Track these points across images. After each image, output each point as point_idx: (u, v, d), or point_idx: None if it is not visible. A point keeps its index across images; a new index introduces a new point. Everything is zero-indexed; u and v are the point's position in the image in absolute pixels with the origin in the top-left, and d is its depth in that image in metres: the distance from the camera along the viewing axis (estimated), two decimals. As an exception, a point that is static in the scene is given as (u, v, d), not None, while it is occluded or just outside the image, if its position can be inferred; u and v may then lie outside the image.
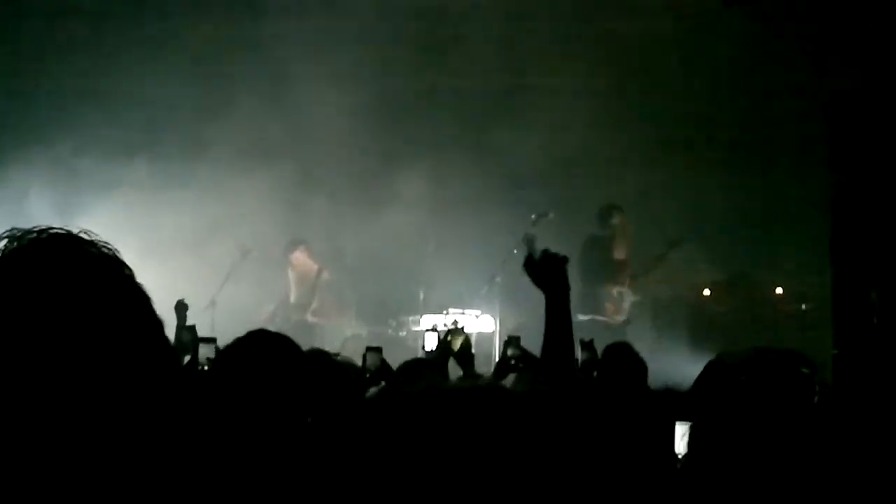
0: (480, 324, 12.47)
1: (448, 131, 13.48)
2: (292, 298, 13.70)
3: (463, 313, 12.48)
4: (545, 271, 4.01)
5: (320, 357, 4.46)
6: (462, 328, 6.40)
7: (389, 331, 13.20)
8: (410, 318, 13.11)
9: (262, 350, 3.25)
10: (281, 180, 13.51)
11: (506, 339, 6.22)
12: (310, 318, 13.43)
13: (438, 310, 12.74)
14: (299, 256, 13.50)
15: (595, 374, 5.87)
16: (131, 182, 13.20)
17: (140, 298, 1.71)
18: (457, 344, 6.09)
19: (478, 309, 12.58)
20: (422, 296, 13.14)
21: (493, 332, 12.25)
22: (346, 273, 14.03)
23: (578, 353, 5.60)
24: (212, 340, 5.21)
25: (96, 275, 1.67)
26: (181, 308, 7.27)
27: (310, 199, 13.79)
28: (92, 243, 1.72)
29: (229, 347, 3.34)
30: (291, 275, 13.62)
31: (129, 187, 13.03)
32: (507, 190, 13.43)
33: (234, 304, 12.48)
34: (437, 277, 13.15)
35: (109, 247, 1.72)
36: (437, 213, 13.40)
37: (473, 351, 6.13)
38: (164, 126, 13.44)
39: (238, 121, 13.28)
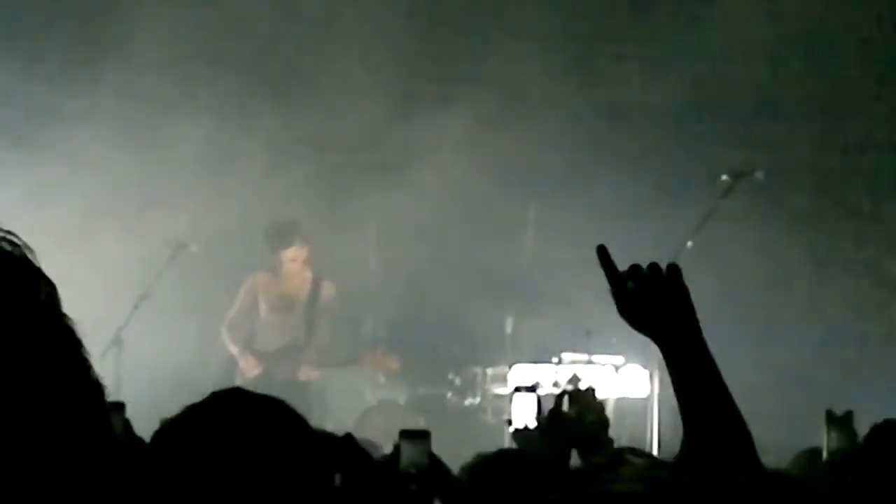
0: (623, 381, 10.88)
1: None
2: (268, 335, 11.04)
3: (590, 362, 10.75)
4: (651, 303, 3.18)
5: (321, 444, 3.07)
6: (590, 389, 4.82)
7: (449, 394, 11.15)
8: (489, 371, 11.03)
9: (238, 432, 2.57)
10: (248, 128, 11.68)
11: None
12: (303, 371, 10.87)
13: (542, 355, 10.88)
14: (292, 260, 10.87)
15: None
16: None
17: (59, 328, 1.34)
18: (578, 414, 4.68)
19: (619, 354, 10.81)
20: (509, 329, 11.15)
21: (647, 398, 10.34)
22: (366, 291, 11.71)
23: None
24: (117, 407, 3.69)
25: None
26: None
27: (300, 161, 11.64)
28: None
29: (177, 421, 2.63)
30: (266, 293, 11.05)
31: None
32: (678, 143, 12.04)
33: (155, 344, 10.57)
34: (540, 297, 11.32)
35: (15, 239, 1.34)
36: (536, 181, 11.63)
37: (611, 431, 4.76)
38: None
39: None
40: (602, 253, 3.21)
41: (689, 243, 9.74)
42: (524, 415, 5.13)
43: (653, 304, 3.19)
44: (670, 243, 9.95)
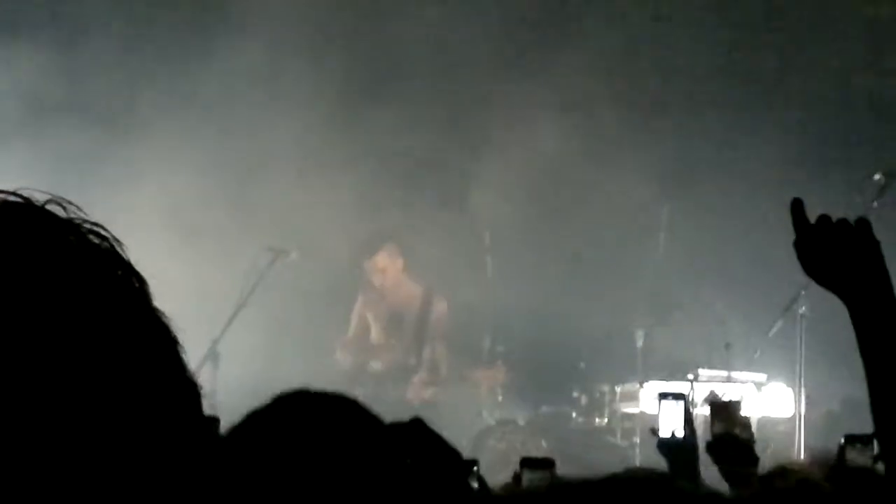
0: (766, 400, 10.63)
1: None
2: (379, 355, 11.30)
3: (729, 378, 10.48)
4: (844, 253, 3.17)
5: (391, 435, 2.93)
6: (736, 401, 4.92)
7: (574, 413, 10.98)
8: (617, 389, 10.87)
9: (304, 432, 2.52)
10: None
11: (842, 439, 4.43)
12: (412, 390, 11.06)
13: (676, 372, 10.60)
14: (381, 270, 11.10)
15: None
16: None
17: (154, 325, 1.33)
18: (723, 429, 4.72)
19: (761, 371, 10.62)
20: (640, 342, 10.87)
21: (793, 417, 10.15)
22: (483, 304, 11.42)
23: None
24: (211, 423, 2.91)
25: (79, 281, 1.30)
26: None
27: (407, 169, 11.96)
28: (73, 225, 1.33)
29: (240, 426, 2.55)
30: (375, 311, 11.29)
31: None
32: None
33: (253, 355, 10.53)
34: (675, 307, 11.13)
35: (103, 232, 1.33)
36: (671, 178, 11.37)
37: (756, 448, 4.73)
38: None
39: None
40: (796, 205, 3.29)
41: None
42: (671, 424, 5.06)
43: (840, 255, 3.23)
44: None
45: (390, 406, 10.17)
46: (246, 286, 10.39)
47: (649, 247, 11.27)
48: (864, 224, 3.21)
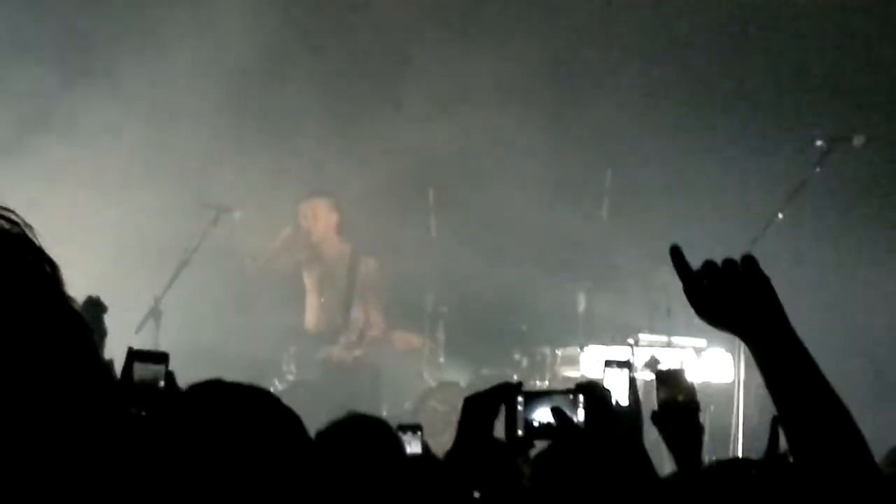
0: (707, 366, 10.64)
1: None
2: (310, 315, 11.18)
3: (669, 344, 10.56)
4: (735, 297, 3.11)
5: (372, 432, 4.01)
6: (680, 369, 4.67)
7: (515, 376, 10.39)
8: (559, 352, 10.74)
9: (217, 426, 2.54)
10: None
11: (774, 414, 3.73)
12: (337, 353, 10.88)
13: (617, 336, 10.68)
14: (312, 216, 10.99)
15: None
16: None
17: (64, 311, 1.37)
18: (668, 397, 4.52)
19: (701, 337, 10.66)
20: (581, 306, 10.88)
21: (732, 383, 10.10)
22: (426, 265, 11.29)
23: None
24: (160, 358, 4.02)
25: None
26: (93, 309, 5.24)
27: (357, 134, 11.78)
28: None
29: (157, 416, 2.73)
30: (307, 270, 11.15)
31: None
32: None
33: (195, 314, 10.52)
34: (616, 272, 11.19)
35: (14, 217, 1.37)
36: (612, 144, 11.44)
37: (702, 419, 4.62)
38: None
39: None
40: (675, 254, 3.15)
41: (780, 215, 9.57)
42: (615, 391, 4.69)
43: (732, 299, 3.13)
44: (760, 214, 9.82)
45: (319, 365, 10.36)
46: (189, 244, 10.23)
47: (592, 210, 11.13)
48: (750, 262, 3.16)
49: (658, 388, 4.67)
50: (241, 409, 2.58)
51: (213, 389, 2.64)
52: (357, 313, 10.98)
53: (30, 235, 1.34)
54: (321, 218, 10.86)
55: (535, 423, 4.28)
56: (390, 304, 11.29)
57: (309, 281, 11.07)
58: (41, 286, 1.32)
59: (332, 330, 10.99)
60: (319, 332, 11.02)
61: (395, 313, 11.28)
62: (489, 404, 3.91)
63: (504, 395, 3.95)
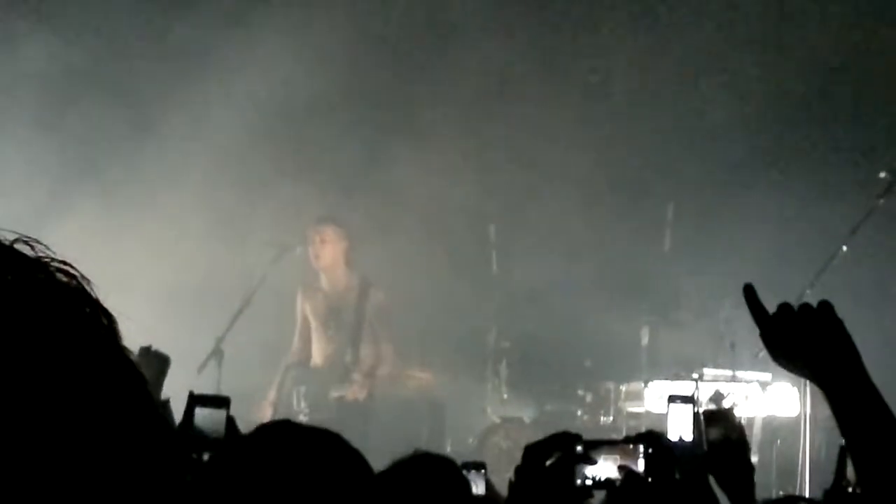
0: (772, 400, 10.54)
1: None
2: (317, 349, 10.82)
3: (734, 378, 10.41)
4: (810, 342, 3.10)
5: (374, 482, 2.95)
6: (730, 407, 5.34)
7: (579, 412, 10.87)
8: (622, 388, 10.82)
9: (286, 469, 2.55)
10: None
11: (843, 441, 3.70)
12: (350, 391, 10.46)
13: (681, 370, 10.56)
14: (326, 243, 10.60)
15: None
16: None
17: (121, 363, 1.35)
18: (719, 436, 4.37)
19: (766, 370, 10.44)
20: (645, 341, 10.91)
21: (798, 417, 10.09)
22: (488, 300, 11.41)
23: None
24: (221, 402, 4.09)
25: (48, 319, 1.31)
26: (156, 363, 5.27)
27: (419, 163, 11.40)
28: (41, 264, 1.35)
29: (221, 456, 2.75)
30: (312, 302, 10.78)
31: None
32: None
33: (257, 354, 10.66)
34: (679, 306, 11.19)
35: (71, 270, 1.34)
36: (676, 178, 11.48)
37: (760, 453, 5.35)
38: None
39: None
40: (749, 293, 3.17)
41: (845, 248, 9.47)
42: (679, 427, 4.75)
43: (807, 345, 3.14)
44: (824, 246, 9.74)
45: (333, 404, 10.30)
46: (251, 283, 10.22)
47: (655, 244, 11.10)
48: (826, 307, 3.16)
49: (707, 428, 4.65)
50: (309, 450, 2.59)
51: (282, 431, 2.68)
52: (366, 349, 10.60)
53: (87, 288, 1.34)
54: (329, 244, 10.53)
55: (594, 474, 4.26)
56: (450, 339, 11.11)
57: (314, 314, 10.72)
58: (98, 337, 1.33)
59: (341, 367, 10.65)
60: (329, 369, 10.68)
61: (462, 349, 11.20)
62: (548, 453, 3.85)
63: (563, 444, 3.91)
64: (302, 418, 9.70)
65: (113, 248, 9.71)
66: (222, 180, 11.22)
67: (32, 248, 1.33)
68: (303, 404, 10.29)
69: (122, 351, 1.34)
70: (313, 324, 10.60)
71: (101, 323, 1.34)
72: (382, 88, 11.74)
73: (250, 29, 11.30)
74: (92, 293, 1.33)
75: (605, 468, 4.21)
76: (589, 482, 4.16)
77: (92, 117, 11.26)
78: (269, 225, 10.97)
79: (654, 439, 4.21)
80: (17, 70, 11.16)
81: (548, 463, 4.10)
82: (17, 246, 1.33)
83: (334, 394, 10.35)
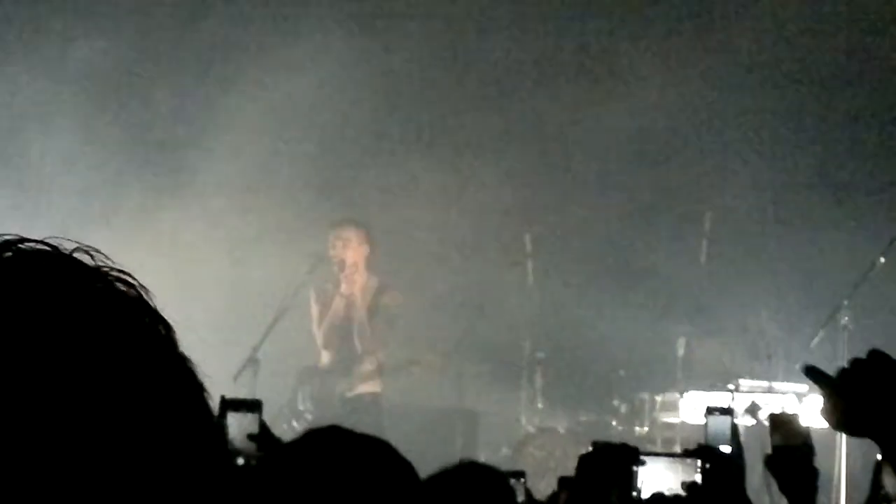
0: (808, 412, 9.49)
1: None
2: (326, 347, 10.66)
3: (770, 389, 10.43)
4: (864, 404, 2.96)
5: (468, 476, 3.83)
6: (795, 414, 4.43)
7: (614, 422, 10.87)
8: (658, 398, 10.78)
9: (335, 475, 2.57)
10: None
11: (878, 455, 4.09)
12: (359, 386, 10.41)
13: (717, 381, 10.55)
14: (348, 248, 10.51)
15: None
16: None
17: (180, 372, 1.36)
18: (782, 441, 4.33)
19: (802, 382, 10.24)
20: (681, 351, 10.76)
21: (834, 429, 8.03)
22: (524, 310, 11.33)
23: None
24: (254, 406, 4.18)
25: (107, 328, 1.31)
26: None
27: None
28: (101, 273, 1.34)
29: (268, 462, 2.83)
30: (324, 299, 10.64)
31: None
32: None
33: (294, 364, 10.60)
34: (716, 317, 11.02)
35: (130, 279, 1.34)
36: (712, 187, 11.38)
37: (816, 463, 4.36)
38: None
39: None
40: (811, 372, 3.08)
41: (882, 259, 9.38)
42: (717, 438, 5.00)
43: (866, 405, 3.04)
44: (861, 258, 9.67)
45: (337, 401, 9.94)
46: (287, 292, 10.16)
47: (692, 254, 11.00)
48: (879, 358, 3.04)
49: (772, 433, 4.59)
50: (359, 457, 2.61)
51: (332, 437, 2.68)
52: (370, 344, 10.38)
53: (145, 297, 1.35)
54: (351, 248, 10.41)
55: (652, 487, 4.31)
56: (485, 348, 11.04)
57: (324, 315, 10.57)
58: (157, 346, 1.34)
59: (344, 364, 10.48)
60: (335, 369, 10.54)
61: (497, 358, 11.13)
62: (606, 465, 3.89)
63: (622, 458, 3.94)
64: (307, 416, 9.79)
65: (149, 255, 9.69)
66: (260, 190, 11.28)
67: (92, 257, 1.34)
68: (308, 403, 10.24)
69: (182, 360, 1.36)
70: (324, 325, 10.44)
71: (160, 332, 1.35)
72: (415, 95, 11.71)
73: (286, 36, 11.35)
74: (150, 302, 1.34)
75: (661, 481, 4.28)
76: (645, 496, 4.22)
77: (127, 126, 11.35)
78: (307, 236, 10.88)
79: (712, 454, 4.27)
80: (62, 74, 11.33)
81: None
82: (77, 255, 1.34)
83: (347, 393, 10.26)
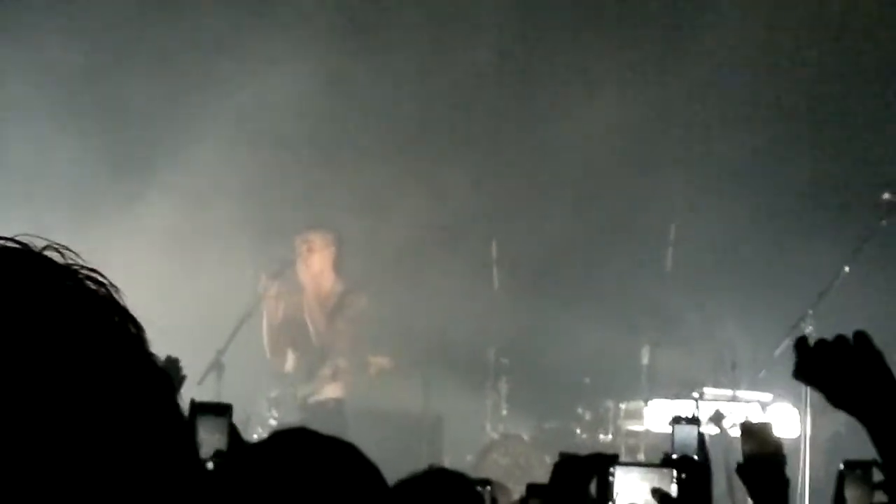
0: (772, 419, 8.85)
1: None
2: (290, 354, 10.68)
3: (734, 398, 10.39)
4: (843, 375, 3.17)
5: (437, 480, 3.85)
6: (767, 423, 4.59)
7: (578, 430, 10.75)
8: (622, 406, 10.74)
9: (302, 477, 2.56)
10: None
11: (841, 465, 4.33)
12: (324, 390, 10.42)
13: (681, 390, 10.50)
14: (313, 251, 10.54)
15: None
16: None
17: (150, 372, 1.34)
18: (754, 450, 4.44)
19: (766, 391, 10.49)
20: (645, 359, 10.79)
21: (798, 438, 9.92)
22: (488, 316, 11.22)
23: None
24: (223, 410, 4.08)
25: (76, 326, 1.30)
26: (176, 372, 5.33)
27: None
28: (70, 271, 1.33)
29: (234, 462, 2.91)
30: (288, 300, 10.67)
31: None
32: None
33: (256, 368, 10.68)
34: (680, 325, 10.94)
35: (100, 278, 1.32)
36: (675, 197, 11.43)
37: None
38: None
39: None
40: (800, 344, 3.23)
41: (847, 268, 9.41)
42: (683, 447, 4.94)
43: (846, 377, 3.21)
44: (826, 268, 9.67)
45: (301, 407, 9.99)
46: (253, 296, 10.17)
47: (657, 263, 10.99)
48: (862, 337, 3.23)
49: (744, 441, 4.71)
50: (325, 460, 2.60)
51: (298, 439, 2.68)
52: (328, 343, 10.38)
53: (115, 296, 1.33)
54: (316, 252, 10.43)
55: (626, 496, 4.30)
56: (450, 354, 10.93)
57: (287, 320, 10.55)
58: (127, 345, 1.32)
59: (307, 368, 10.50)
60: (296, 371, 10.56)
61: (462, 366, 11.08)
62: (583, 472, 3.90)
63: (598, 465, 3.94)
64: (272, 422, 9.71)
65: (116, 254, 9.67)
66: (227, 192, 11.25)
67: (62, 254, 1.33)
68: (273, 410, 10.20)
69: (151, 359, 1.34)
70: (283, 329, 10.45)
71: (130, 331, 1.33)
72: (382, 101, 11.73)
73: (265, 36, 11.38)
74: (120, 301, 1.33)
75: (636, 491, 4.26)
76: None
77: (97, 128, 11.27)
78: (273, 239, 10.92)
79: (689, 464, 4.27)
80: (41, 70, 11.28)
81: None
82: (47, 253, 1.32)
83: (311, 399, 10.23)
